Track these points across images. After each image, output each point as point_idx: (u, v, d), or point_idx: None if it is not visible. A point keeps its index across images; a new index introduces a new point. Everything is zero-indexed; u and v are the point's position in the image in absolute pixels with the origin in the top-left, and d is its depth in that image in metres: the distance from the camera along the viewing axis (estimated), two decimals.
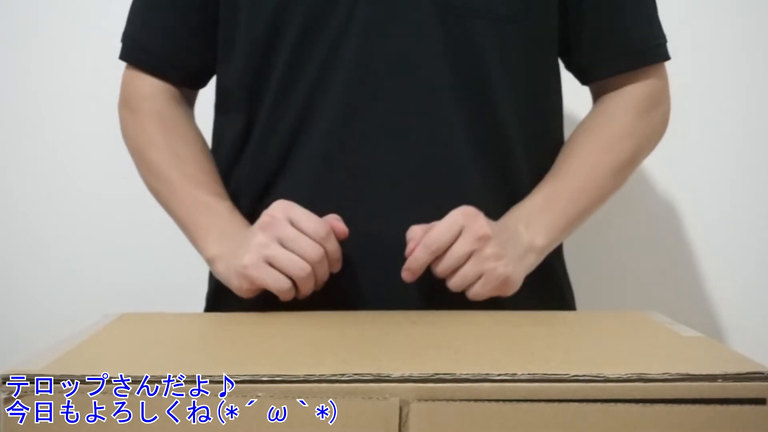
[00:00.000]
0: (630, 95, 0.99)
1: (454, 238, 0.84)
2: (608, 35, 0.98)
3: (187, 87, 1.03)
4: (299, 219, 0.84)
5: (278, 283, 0.83)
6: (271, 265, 0.83)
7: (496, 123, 0.93)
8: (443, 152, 0.91)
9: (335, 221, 0.87)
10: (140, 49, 1.01)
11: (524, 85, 0.95)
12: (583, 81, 1.03)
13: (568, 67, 1.02)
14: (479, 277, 0.85)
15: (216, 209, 0.93)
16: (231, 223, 0.92)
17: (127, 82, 1.03)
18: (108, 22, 1.26)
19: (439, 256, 0.85)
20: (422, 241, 0.84)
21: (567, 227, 0.93)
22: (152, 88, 1.00)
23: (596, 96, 1.02)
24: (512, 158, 0.94)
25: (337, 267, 0.87)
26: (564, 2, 0.96)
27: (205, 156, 0.99)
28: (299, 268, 0.83)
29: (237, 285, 0.86)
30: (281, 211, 0.85)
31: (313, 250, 0.83)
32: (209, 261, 0.91)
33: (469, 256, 0.84)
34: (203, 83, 1.04)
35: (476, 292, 0.85)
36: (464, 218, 0.85)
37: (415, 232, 0.86)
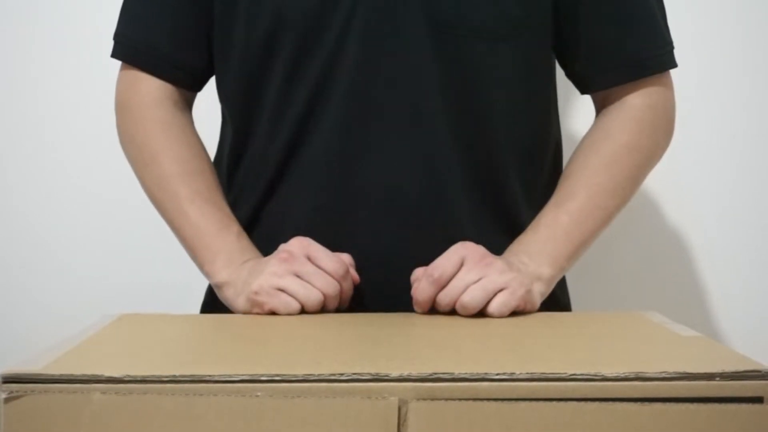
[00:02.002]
0: (630, 108, 0.96)
1: (457, 268, 0.83)
2: (604, 46, 0.96)
3: (189, 89, 1.01)
4: (319, 257, 0.85)
5: (288, 308, 0.83)
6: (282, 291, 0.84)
7: (490, 140, 0.93)
8: (435, 169, 0.91)
9: (351, 267, 0.87)
10: (141, 48, 0.98)
11: (519, 103, 0.95)
12: (582, 91, 1.01)
13: (568, 76, 1.01)
14: (496, 294, 0.82)
15: (225, 234, 0.92)
16: (240, 249, 0.91)
17: (125, 85, 1.00)
18: (108, 21, 1.26)
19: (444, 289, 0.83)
20: (425, 273, 0.84)
21: (573, 254, 0.91)
22: (155, 92, 0.98)
23: (598, 104, 1.01)
24: (505, 173, 0.94)
25: (346, 304, 0.87)
26: (559, 13, 0.95)
27: (210, 168, 0.98)
28: (312, 298, 0.83)
29: (245, 309, 0.86)
30: (300, 247, 0.86)
31: (330, 286, 0.84)
32: (218, 286, 0.91)
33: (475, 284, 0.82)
34: (203, 84, 1.03)
35: (502, 301, 0.82)
36: (464, 249, 0.85)
37: (417, 271, 0.86)
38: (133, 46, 0.99)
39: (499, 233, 0.93)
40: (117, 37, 1.00)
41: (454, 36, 0.90)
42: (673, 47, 0.98)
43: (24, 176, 1.37)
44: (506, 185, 0.94)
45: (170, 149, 0.96)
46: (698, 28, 1.33)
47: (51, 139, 1.37)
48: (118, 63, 1.02)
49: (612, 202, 0.93)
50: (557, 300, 0.98)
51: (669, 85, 0.98)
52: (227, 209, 0.95)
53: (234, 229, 0.93)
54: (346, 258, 0.87)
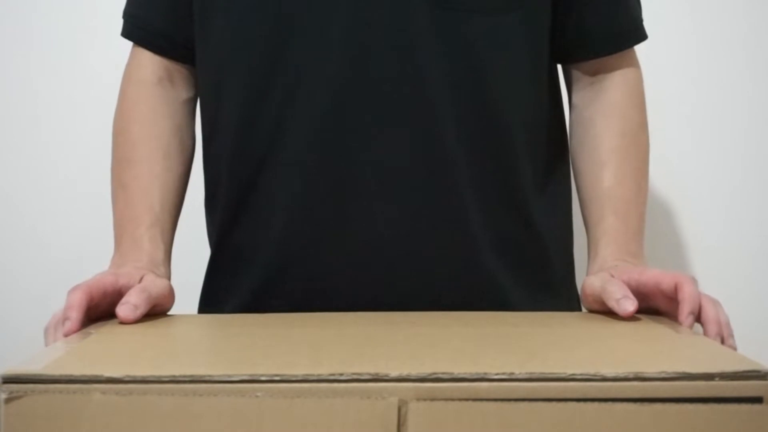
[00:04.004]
0: (629, 83, 0.99)
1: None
2: (598, 15, 0.97)
3: (189, 62, 1.01)
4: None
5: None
6: None
7: (495, 117, 0.91)
8: (438, 149, 0.89)
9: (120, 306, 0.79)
10: (138, 23, 1.01)
11: (523, 76, 0.93)
12: (567, 61, 1.01)
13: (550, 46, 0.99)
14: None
15: (132, 229, 0.92)
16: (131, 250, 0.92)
17: (128, 61, 1.02)
18: (106, 21, 1.26)
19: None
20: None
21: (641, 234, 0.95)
22: (149, 69, 0.99)
23: (574, 74, 1.01)
24: (512, 151, 0.92)
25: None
26: None
27: (170, 158, 0.97)
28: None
29: None
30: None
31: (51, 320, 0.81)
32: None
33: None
34: None
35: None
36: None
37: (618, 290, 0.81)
38: (130, 22, 1.01)
39: (504, 213, 0.93)
40: (123, 15, 1.02)
41: (457, 12, 0.89)
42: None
43: (24, 176, 1.37)
44: (513, 164, 0.93)
45: (140, 146, 0.96)
46: (700, 26, 1.34)
47: (51, 139, 1.37)
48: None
49: (644, 178, 0.97)
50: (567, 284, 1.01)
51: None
52: (155, 200, 0.94)
53: (141, 229, 0.93)
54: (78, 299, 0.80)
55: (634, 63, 1.01)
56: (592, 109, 0.99)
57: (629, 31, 0.99)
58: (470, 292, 0.90)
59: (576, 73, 1.01)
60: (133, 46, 1.02)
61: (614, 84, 0.99)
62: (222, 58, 0.93)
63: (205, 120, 0.98)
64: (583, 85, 1.01)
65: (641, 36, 1.00)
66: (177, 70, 1.01)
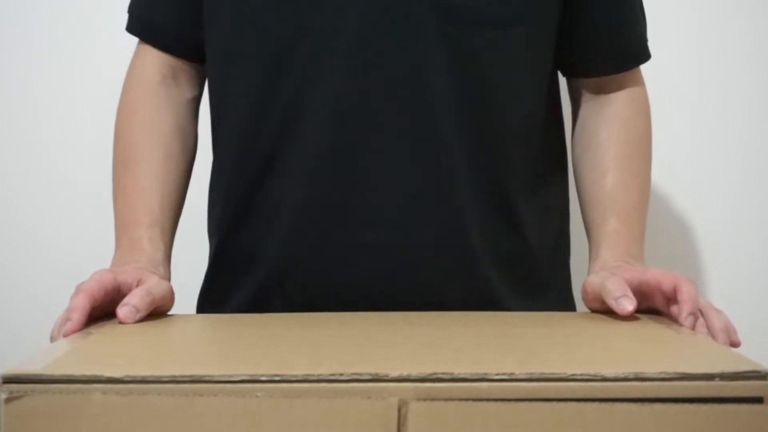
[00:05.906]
0: (635, 97, 1.00)
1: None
2: (608, 33, 0.97)
3: (194, 60, 1.01)
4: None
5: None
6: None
7: (496, 128, 0.92)
8: (438, 158, 0.89)
9: (121, 307, 0.79)
10: (143, 20, 1.00)
11: (526, 88, 0.94)
12: (574, 76, 1.02)
13: (557, 60, 0.99)
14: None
15: (132, 229, 0.93)
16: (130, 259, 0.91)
17: (132, 59, 1.02)
18: (107, 20, 1.26)
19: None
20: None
21: (642, 237, 0.96)
22: (153, 68, 0.99)
23: (578, 88, 1.02)
24: (510, 162, 0.93)
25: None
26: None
27: (173, 161, 0.97)
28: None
29: None
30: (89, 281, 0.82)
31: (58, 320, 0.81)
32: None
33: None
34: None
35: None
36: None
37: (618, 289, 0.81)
38: (136, 18, 1.01)
39: (498, 223, 0.93)
40: (128, 11, 1.02)
41: (464, 24, 0.89)
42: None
43: (24, 176, 1.37)
44: (510, 175, 0.93)
45: (141, 147, 0.96)
46: (700, 26, 1.34)
47: (51, 139, 1.37)
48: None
49: (646, 185, 0.98)
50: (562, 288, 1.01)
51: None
52: (154, 201, 0.94)
53: (140, 230, 0.92)
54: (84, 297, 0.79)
55: (639, 81, 1.01)
56: (596, 120, 1.00)
57: (634, 51, 1.00)
58: (466, 295, 0.91)
59: (580, 87, 1.02)
60: (138, 43, 1.02)
61: (619, 98, 1.00)
62: (230, 58, 0.93)
63: (213, 118, 0.98)
64: (588, 98, 1.02)
65: (646, 56, 1.01)
66: (181, 68, 1.01)
